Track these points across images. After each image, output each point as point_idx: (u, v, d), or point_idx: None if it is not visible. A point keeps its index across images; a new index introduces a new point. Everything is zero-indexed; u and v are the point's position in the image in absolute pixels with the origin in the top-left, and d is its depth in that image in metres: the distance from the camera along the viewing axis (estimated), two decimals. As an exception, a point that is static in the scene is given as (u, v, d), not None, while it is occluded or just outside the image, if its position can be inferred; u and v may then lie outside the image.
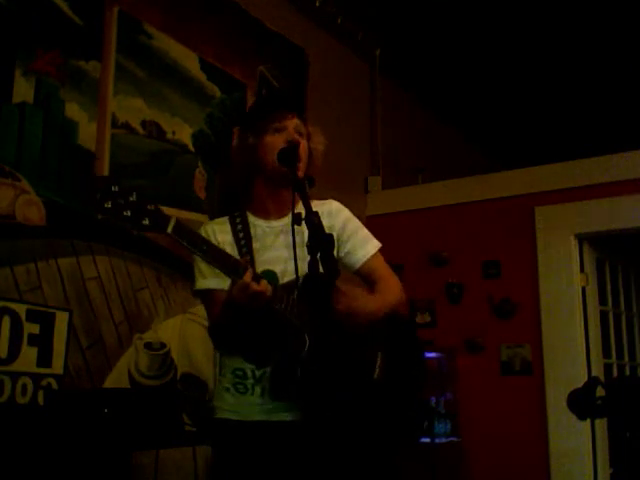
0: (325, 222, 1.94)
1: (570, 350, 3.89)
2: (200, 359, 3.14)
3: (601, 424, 3.88)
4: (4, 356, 2.41)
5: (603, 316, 4.23)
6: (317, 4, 4.19)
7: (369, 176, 4.72)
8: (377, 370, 1.88)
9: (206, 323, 3.08)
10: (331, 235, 1.67)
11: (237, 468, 1.86)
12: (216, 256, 1.71)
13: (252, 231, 1.98)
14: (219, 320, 1.90)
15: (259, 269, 1.89)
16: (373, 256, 2.05)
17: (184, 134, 3.25)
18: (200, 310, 2.92)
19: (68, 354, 2.61)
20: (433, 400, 4.03)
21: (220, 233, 1.99)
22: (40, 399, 2.48)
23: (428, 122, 5.61)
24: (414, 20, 4.54)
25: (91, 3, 2.89)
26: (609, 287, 4.37)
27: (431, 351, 4.10)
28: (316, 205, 2.00)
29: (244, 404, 1.89)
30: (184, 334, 3.11)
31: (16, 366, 2.44)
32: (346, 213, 2.09)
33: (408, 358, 2.03)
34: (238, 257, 1.89)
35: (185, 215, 3.08)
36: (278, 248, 1.94)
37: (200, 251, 1.69)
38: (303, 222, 1.74)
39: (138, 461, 2.66)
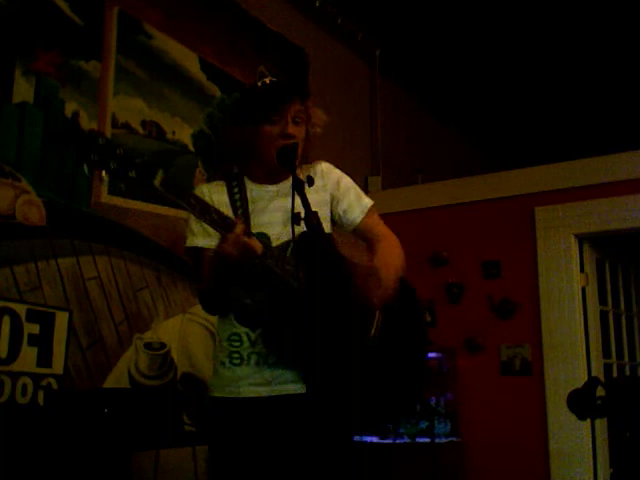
0: (318, 182, 1.93)
1: (570, 350, 3.88)
2: (200, 359, 3.14)
3: (601, 424, 3.88)
4: (4, 356, 2.41)
5: (603, 316, 4.23)
6: (317, 4, 4.19)
7: (369, 176, 4.72)
8: (374, 328, 1.87)
9: (206, 323, 3.10)
10: (330, 235, 1.67)
11: (234, 449, 1.84)
12: (205, 211, 1.72)
13: (248, 194, 1.97)
14: (209, 277, 1.89)
15: (252, 231, 1.89)
16: (369, 213, 2.04)
17: (184, 134, 3.25)
18: (200, 310, 2.92)
19: (68, 354, 2.61)
20: (433, 400, 4.03)
21: (215, 193, 1.98)
22: (40, 399, 2.48)
23: (428, 122, 5.61)
24: (414, 20, 4.54)
25: (91, 3, 2.89)
26: (609, 287, 4.36)
27: (431, 351, 4.10)
28: (306, 168, 2.00)
29: (239, 377, 1.87)
30: (184, 334, 3.11)
31: (16, 366, 2.44)
32: (337, 172, 2.08)
33: (408, 319, 2.01)
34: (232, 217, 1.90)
35: (185, 215, 3.07)
36: (272, 211, 1.93)
37: (188, 205, 1.70)
38: (302, 218, 1.72)
39: (138, 461, 2.66)
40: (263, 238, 1.88)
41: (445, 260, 4.34)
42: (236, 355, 1.89)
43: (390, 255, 1.98)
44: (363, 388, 1.79)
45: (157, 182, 1.65)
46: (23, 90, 2.58)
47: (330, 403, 1.76)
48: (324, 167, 2.06)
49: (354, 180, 2.10)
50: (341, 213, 2.02)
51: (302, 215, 1.72)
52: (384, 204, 4.58)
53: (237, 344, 1.90)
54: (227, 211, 1.91)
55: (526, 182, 4.17)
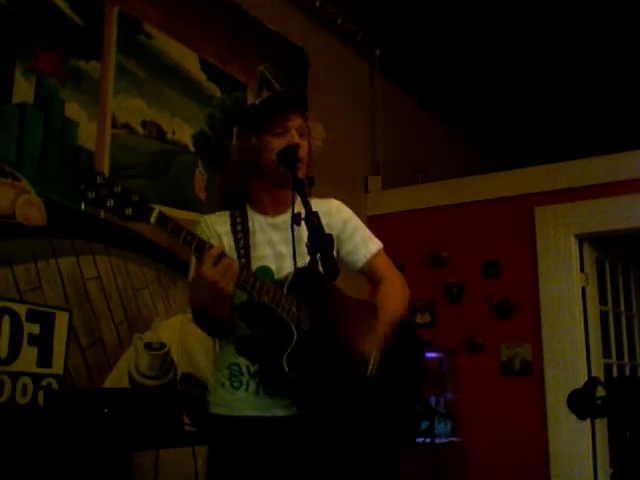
0: (324, 221, 1.94)
1: (570, 350, 3.89)
2: (200, 359, 3.14)
3: (601, 424, 3.88)
4: (4, 356, 2.41)
5: (603, 316, 4.23)
6: (317, 4, 4.19)
7: (369, 176, 4.72)
8: (371, 367, 1.87)
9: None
10: (331, 235, 1.67)
11: (231, 464, 1.85)
12: (199, 248, 1.70)
13: (250, 225, 1.97)
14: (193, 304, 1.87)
15: (254, 264, 1.89)
16: (375, 255, 2.04)
17: (184, 134, 3.25)
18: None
19: (68, 354, 2.61)
20: (433, 400, 4.03)
21: (220, 225, 1.98)
22: (40, 399, 2.48)
23: (428, 122, 5.61)
24: (414, 20, 4.54)
25: (91, 3, 2.89)
26: (609, 287, 4.37)
27: (431, 351, 4.10)
28: (316, 203, 2.00)
29: (237, 399, 1.88)
30: (184, 334, 3.10)
31: (16, 366, 2.44)
32: (346, 212, 2.07)
33: (406, 357, 2.02)
34: (234, 249, 1.90)
35: (185, 215, 3.08)
36: (274, 244, 1.93)
37: (183, 241, 1.69)
38: (303, 222, 1.74)
39: (138, 461, 2.66)
40: (266, 272, 1.88)
41: (445, 260, 4.34)
42: (236, 379, 1.91)
43: (388, 300, 1.99)
44: (358, 424, 1.82)
45: (153, 219, 1.65)
46: (23, 90, 2.58)
47: (323, 428, 1.78)
48: (334, 206, 2.06)
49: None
50: (345, 254, 2.03)
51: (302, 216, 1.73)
52: (384, 204, 4.61)
53: (237, 373, 1.91)
54: (228, 242, 1.93)
55: (526, 182, 4.18)
